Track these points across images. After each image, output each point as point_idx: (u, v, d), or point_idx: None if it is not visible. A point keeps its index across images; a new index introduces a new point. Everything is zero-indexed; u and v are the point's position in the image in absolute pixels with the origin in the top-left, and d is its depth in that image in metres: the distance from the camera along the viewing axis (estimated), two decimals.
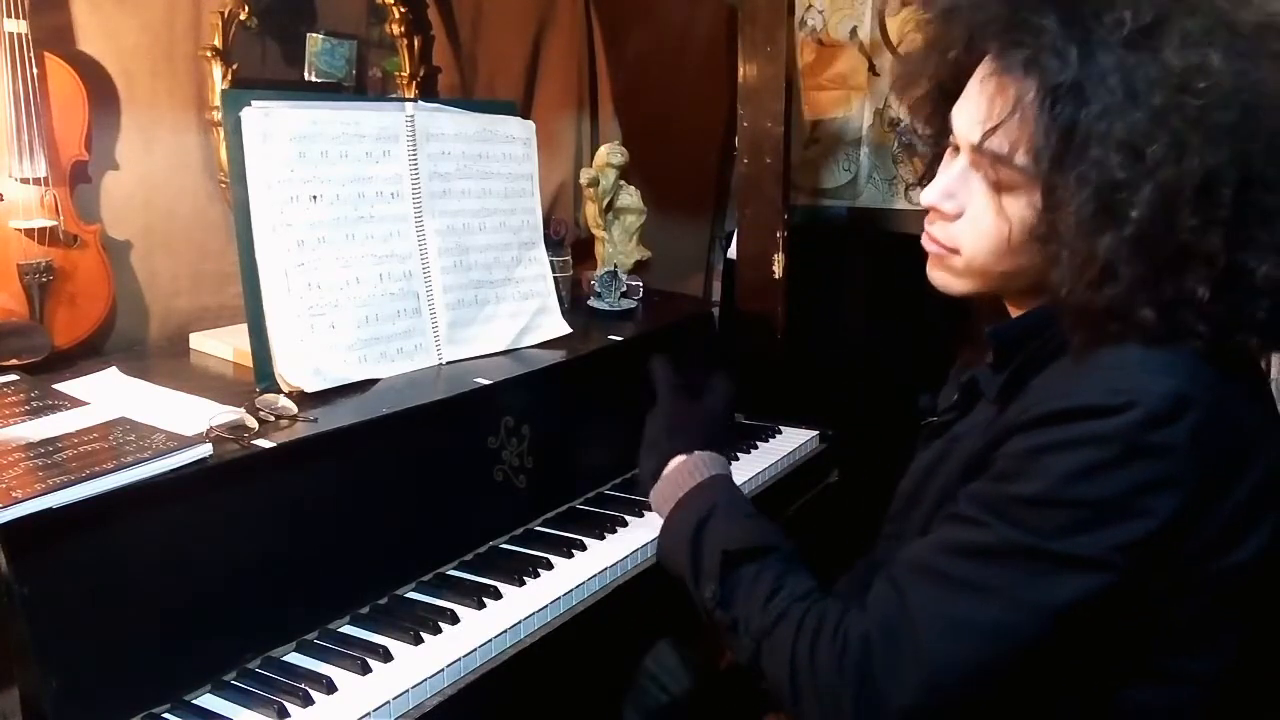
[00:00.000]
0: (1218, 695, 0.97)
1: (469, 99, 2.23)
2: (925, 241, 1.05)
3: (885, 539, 1.21)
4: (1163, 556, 0.88)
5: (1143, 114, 0.85)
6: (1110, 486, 0.86)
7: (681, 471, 1.22)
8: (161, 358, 1.68)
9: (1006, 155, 0.93)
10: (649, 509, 1.63)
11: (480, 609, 1.33)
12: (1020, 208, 0.94)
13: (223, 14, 1.80)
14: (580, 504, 1.67)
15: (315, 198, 1.50)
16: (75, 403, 1.33)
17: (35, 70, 1.49)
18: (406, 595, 1.37)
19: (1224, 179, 0.85)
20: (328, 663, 1.21)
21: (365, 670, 1.19)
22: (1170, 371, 0.87)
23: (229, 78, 1.80)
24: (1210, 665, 0.95)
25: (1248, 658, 0.97)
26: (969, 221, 0.99)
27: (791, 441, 2.01)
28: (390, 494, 1.40)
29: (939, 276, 1.06)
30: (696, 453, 1.23)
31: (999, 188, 0.96)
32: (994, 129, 0.92)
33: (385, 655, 1.21)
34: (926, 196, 1.02)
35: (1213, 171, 0.85)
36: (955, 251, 1.01)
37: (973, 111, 0.96)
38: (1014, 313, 1.06)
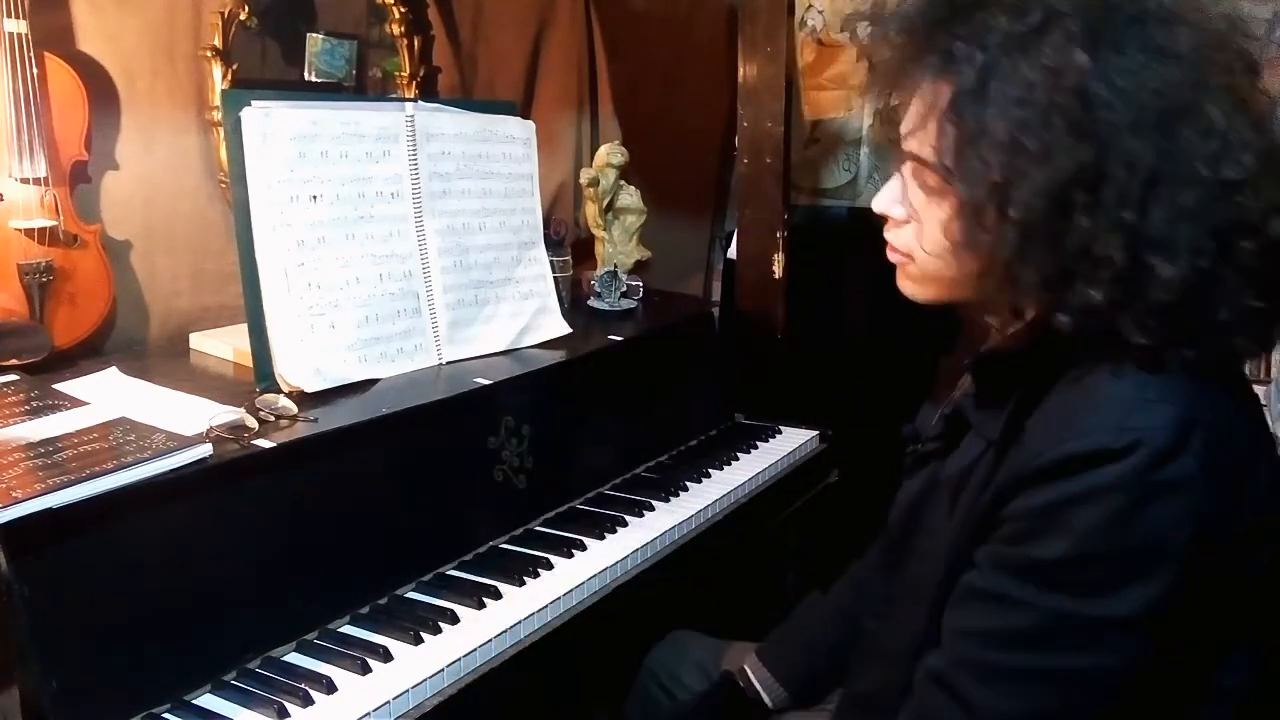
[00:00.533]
0: (1251, 705, 0.96)
1: (469, 99, 2.23)
2: (888, 251, 1.05)
3: (882, 565, 1.21)
4: (1201, 579, 0.86)
5: (1026, 114, 0.85)
6: (1135, 534, 0.84)
7: None
8: (161, 358, 1.68)
9: (925, 158, 0.94)
10: (649, 509, 1.65)
11: (480, 609, 1.33)
12: (942, 211, 0.95)
13: (223, 14, 1.79)
14: (580, 504, 1.67)
15: (315, 198, 1.50)
16: (75, 403, 1.33)
17: (35, 70, 1.49)
18: (406, 595, 1.37)
19: (1113, 178, 0.84)
20: (328, 663, 1.21)
21: (365, 670, 1.19)
22: (1167, 397, 0.86)
23: (229, 78, 1.80)
24: (1237, 679, 0.95)
25: (1272, 667, 0.97)
26: (915, 226, 1.00)
27: (791, 441, 2.01)
28: (390, 494, 1.40)
29: (904, 285, 1.05)
30: None
31: (927, 191, 0.97)
32: (911, 132, 0.96)
33: (385, 655, 1.21)
34: (875, 204, 1.04)
35: (1096, 171, 0.84)
36: (909, 257, 1.02)
37: (906, 118, 0.99)
38: (995, 335, 1.04)
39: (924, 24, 0.94)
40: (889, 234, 1.04)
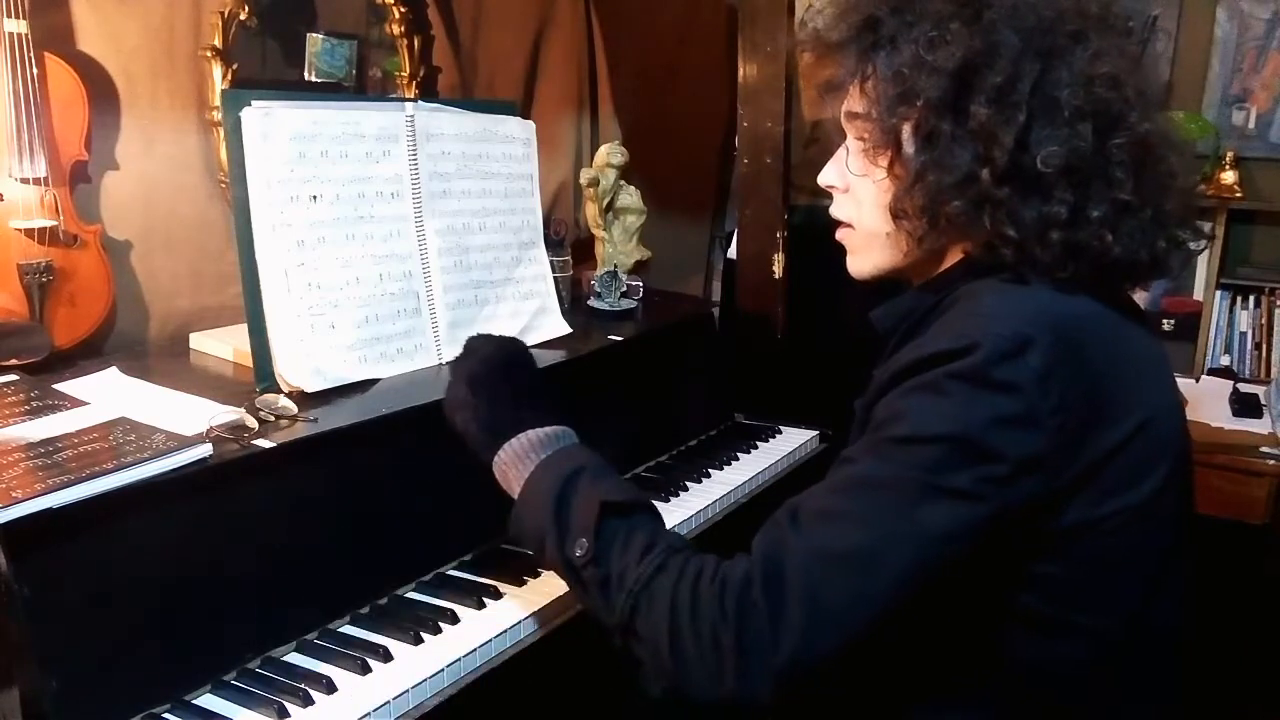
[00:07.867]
0: (1114, 652, 0.98)
1: (469, 99, 2.23)
2: (837, 233, 1.13)
3: None
4: (1034, 495, 0.90)
5: (927, 24, 0.98)
6: (967, 423, 0.89)
7: (533, 439, 1.14)
8: (161, 358, 1.67)
9: (856, 110, 1.05)
10: None
11: (480, 609, 1.33)
12: (878, 166, 1.04)
13: (223, 14, 1.79)
14: None
15: (315, 197, 1.50)
16: (75, 403, 1.33)
17: (35, 70, 1.49)
18: (406, 595, 1.37)
19: (1000, 65, 0.94)
20: (328, 663, 1.21)
21: (365, 670, 1.19)
22: (1015, 314, 0.93)
23: (229, 78, 1.80)
24: (1101, 621, 0.97)
25: (1148, 618, 0.99)
26: (854, 194, 1.09)
27: (791, 441, 2.01)
28: (390, 494, 1.40)
29: (850, 263, 1.15)
30: (547, 427, 1.16)
31: (863, 150, 1.06)
32: (845, 95, 1.06)
33: (385, 655, 1.21)
34: (820, 178, 1.13)
35: (987, 56, 0.94)
36: (851, 225, 1.11)
37: (846, 94, 1.08)
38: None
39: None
40: (834, 209, 1.12)
